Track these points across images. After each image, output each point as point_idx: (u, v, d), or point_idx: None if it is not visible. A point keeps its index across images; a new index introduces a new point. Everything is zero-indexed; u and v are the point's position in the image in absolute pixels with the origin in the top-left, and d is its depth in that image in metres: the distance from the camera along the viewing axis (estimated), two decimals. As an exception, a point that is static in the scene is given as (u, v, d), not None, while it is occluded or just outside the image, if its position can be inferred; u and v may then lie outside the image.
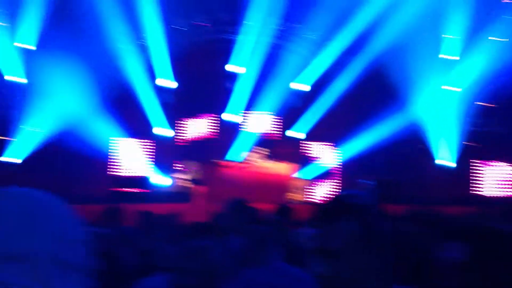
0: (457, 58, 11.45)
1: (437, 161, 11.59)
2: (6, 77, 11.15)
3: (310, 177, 11.59)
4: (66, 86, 10.62)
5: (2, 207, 0.89)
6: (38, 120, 10.98)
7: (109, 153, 11.50)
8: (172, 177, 11.27)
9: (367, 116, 11.28)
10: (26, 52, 11.22)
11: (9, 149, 11.09)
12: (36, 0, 11.00)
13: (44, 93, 10.82)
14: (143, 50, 11.75)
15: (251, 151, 10.87)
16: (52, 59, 10.47)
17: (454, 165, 11.49)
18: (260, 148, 10.75)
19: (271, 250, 3.11)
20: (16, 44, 11.15)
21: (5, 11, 11.01)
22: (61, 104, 10.74)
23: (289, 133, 12.25)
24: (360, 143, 11.49)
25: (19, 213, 0.88)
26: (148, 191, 10.69)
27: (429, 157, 11.55)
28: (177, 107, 12.26)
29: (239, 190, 9.26)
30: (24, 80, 11.28)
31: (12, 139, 11.09)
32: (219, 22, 12.31)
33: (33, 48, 11.23)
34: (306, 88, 12.12)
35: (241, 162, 10.66)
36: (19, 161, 11.07)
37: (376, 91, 11.57)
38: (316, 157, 12.24)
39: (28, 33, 11.20)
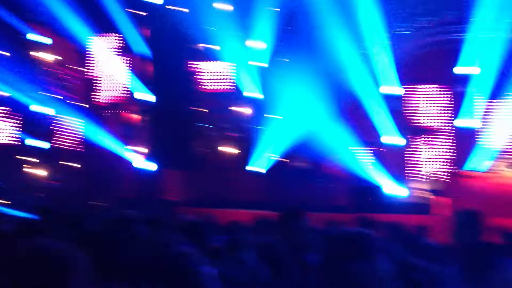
0: None
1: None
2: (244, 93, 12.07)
3: None
4: (297, 98, 11.07)
5: None
6: (272, 133, 11.62)
7: (347, 163, 11.51)
8: (408, 187, 10.94)
9: None
10: (260, 69, 12.05)
11: (252, 160, 11.93)
12: (265, 20, 11.76)
13: (279, 106, 11.42)
14: (367, 58, 11.67)
15: (496, 160, 10.02)
16: (283, 73, 11.06)
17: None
18: (507, 156, 9.85)
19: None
20: (250, 63, 12.03)
21: (240, 33, 11.95)
22: (295, 116, 11.21)
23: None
24: None
25: None
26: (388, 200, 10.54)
27: None
28: (405, 114, 11.91)
29: (484, 203, 8.59)
30: (260, 96, 12.11)
31: (252, 152, 11.88)
32: (445, 22, 11.64)
33: (266, 65, 12.01)
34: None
35: (485, 172, 9.89)
36: (263, 171, 11.84)
37: None
38: None
39: (260, 51, 12.03)
